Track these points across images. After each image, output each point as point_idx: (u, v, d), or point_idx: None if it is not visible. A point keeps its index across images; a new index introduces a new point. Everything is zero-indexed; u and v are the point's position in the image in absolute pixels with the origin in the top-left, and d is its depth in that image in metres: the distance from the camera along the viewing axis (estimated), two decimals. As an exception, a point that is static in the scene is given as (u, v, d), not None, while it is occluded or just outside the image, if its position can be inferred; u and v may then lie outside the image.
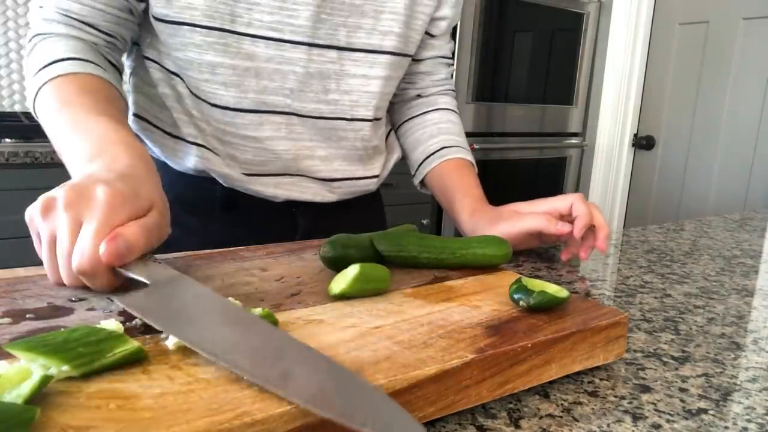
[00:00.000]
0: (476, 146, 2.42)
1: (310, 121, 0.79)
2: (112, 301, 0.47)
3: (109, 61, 0.73)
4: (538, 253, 0.84)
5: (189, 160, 0.80)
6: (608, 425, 0.40)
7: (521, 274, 0.72)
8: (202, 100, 0.76)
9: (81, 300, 0.47)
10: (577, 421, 0.41)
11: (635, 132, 2.78)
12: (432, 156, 0.91)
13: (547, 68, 2.68)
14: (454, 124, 0.94)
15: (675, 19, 2.61)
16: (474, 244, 0.60)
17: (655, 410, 0.43)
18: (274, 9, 0.71)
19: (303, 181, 0.84)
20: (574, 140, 2.86)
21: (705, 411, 0.43)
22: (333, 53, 0.76)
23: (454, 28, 2.29)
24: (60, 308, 0.45)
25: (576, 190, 2.95)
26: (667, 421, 0.41)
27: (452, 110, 0.95)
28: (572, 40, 2.74)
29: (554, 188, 2.85)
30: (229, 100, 0.75)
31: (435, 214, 2.44)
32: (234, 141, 0.78)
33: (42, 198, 0.47)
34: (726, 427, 0.41)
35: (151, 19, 0.72)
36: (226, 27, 0.70)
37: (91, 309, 0.45)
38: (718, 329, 0.60)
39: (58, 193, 0.47)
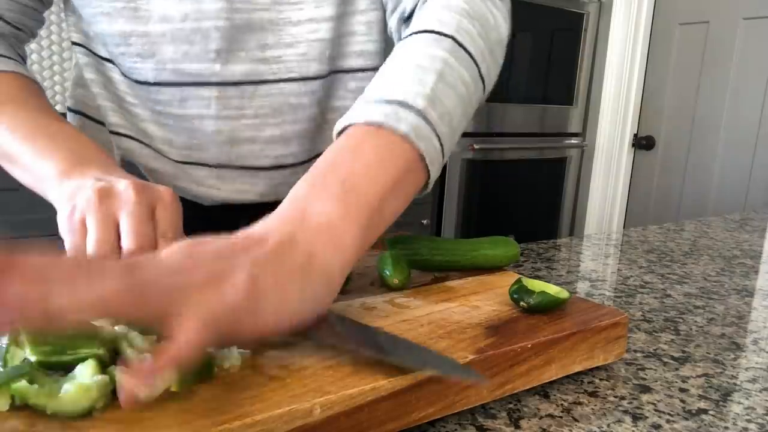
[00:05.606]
0: (476, 146, 2.41)
1: (250, 90, 0.66)
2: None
3: (18, 54, 0.67)
4: (538, 253, 0.84)
5: (115, 153, 0.72)
6: (608, 425, 0.40)
7: (521, 274, 0.72)
8: (132, 80, 0.68)
9: (81, 300, 0.47)
10: (577, 421, 0.41)
11: (635, 132, 2.78)
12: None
13: (547, 68, 2.68)
14: (395, 64, 0.52)
15: (675, 19, 2.61)
16: (485, 246, 0.61)
17: (655, 410, 0.43)
18: None
19: (244, 176, 0.72)
20: (573, 140, 2.85)
21: (705, 411, 0.43)
22: None
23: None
24: (60, 308, 0.45)
25: (576, 190, 2.94)
26: (667, 421, 0.41)
27: (416, 32, 0.54)
28: (572, 40, 2.74)
29: (554, 188, 2.85)
30: (148, 74, 0.66)
31: (435, 215, 2.44)
32: (168, 122, 0.69)
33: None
34: (726, 428, 0.41)
35: None
36: None
37: (91, 309, 0.45)
38: (718, 329, 0.60)
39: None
